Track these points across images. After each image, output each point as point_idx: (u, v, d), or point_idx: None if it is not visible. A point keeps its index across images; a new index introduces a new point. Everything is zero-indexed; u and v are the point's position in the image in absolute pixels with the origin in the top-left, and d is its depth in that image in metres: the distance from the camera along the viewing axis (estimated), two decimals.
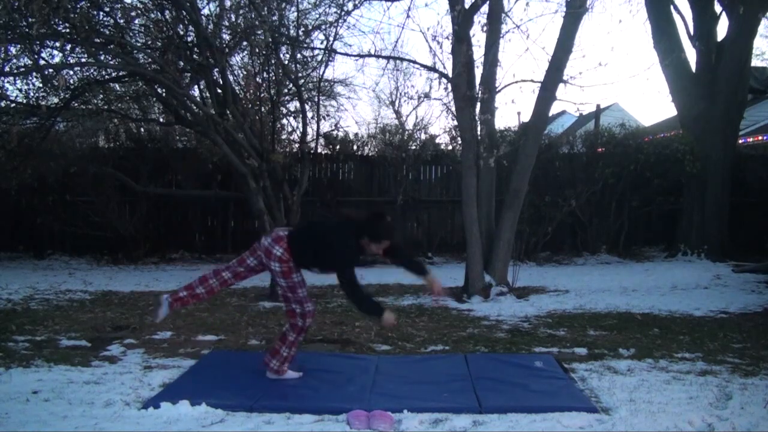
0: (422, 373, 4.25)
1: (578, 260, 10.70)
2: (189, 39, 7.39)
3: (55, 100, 8.02)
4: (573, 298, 7.31)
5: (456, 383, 4.01)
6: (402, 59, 8.69)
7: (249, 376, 4.12)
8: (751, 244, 10.46)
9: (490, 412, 3.50)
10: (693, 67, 10.88)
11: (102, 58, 7.13)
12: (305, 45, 7.93)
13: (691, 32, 10.91)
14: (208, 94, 7.60)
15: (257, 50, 7.47)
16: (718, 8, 10.85)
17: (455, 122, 7.90)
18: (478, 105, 7.36)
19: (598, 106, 12.59)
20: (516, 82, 7.33)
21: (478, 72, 7.39)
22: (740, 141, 12.19)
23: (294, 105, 9.58)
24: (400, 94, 16.81)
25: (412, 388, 3.91)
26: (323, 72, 8.33)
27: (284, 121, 9.60)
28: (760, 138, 13.13)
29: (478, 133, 7.45)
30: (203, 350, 4.91)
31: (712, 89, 10.48)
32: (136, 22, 7.42)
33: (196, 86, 8.25)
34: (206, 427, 3.31)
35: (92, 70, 7.71)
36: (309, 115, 8.81)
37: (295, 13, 7.62)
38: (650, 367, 4.42)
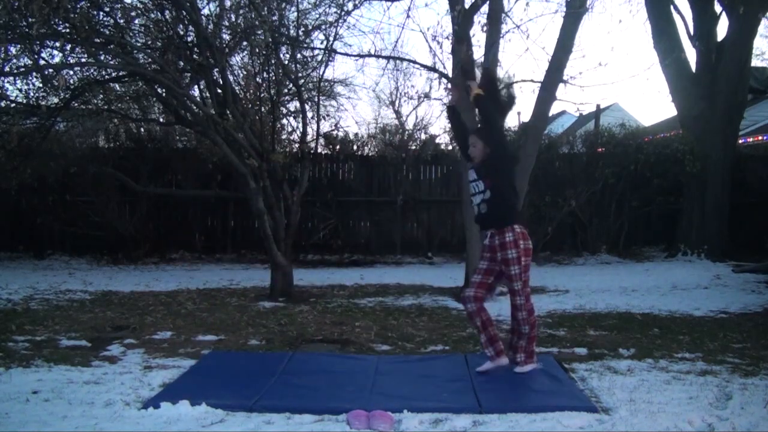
0: (422, 373, 4.24)
1: (578, 260, 10.70)
2: (189, 39, 7.38)
3: (55, 100, 8.01)
4: (573, 298, 7.31)
5: (456, 383, 4.01)
6: (402, 59, 8.69)
7: (249, 376, 4.12)
8: (751, 244, 10.45)
9: (490, 412, 3.50)
10: (693, 67, 10.87)
11: (102, 58, 7.13)
12: (305, 45, 7.93)
13: (691, 32, 10.91)
14: (208, 94, 7.60)
15: (257, 50, 7.47)
16: (718, 8, 10.84)
17: None
18: None
19: (598, 106, 12.60)
20: (516, 82, 7.34)
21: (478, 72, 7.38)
22: (740, 141, 12.19)
23: (294, 105, 9.59)
24: (400, 94, 16.88)
25: (412, 388, 3.91)
26: (323, 72, 8.34)
27: (284, 121, 9.60)
28: (760, 138, 13.12)
29: None
30: (203, 350, 4.91)
31: (712, 89, 10.48)
32: (136, 22, 7.41)
33: (196, 86, 8.24)
34: (206, 427, 3.31)
35: (92, 70, 7.70)
36: (309, 115, 8.81)
37: (295, 13, 7.62)
38: (650, 367, 4.42)
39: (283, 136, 9.38)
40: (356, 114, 34.96)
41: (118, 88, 8.47)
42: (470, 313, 4.21)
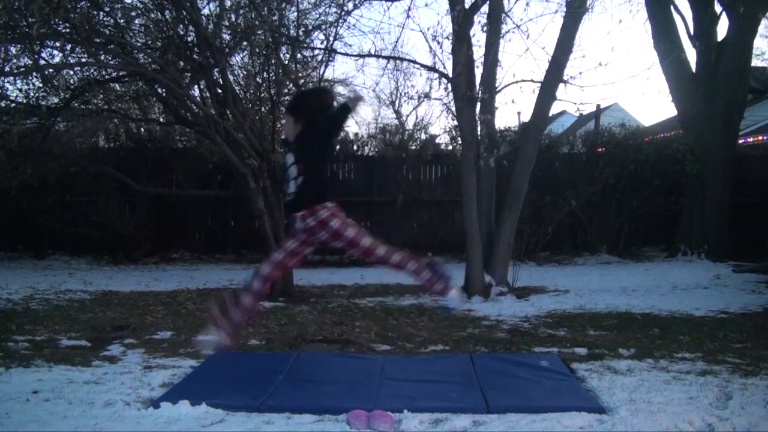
0: (427, 374, 4.23)
1: (578, 260, 10.70)
2: (189, 39, 7.39)
3: (55, 100, 8.03)
4: (573, 298, 7.31)
5: (462, 383, 4.00)
6: (402, 59, 8.69)
7: (251, 377, 4.12)
8: (751, 244, 10.44)
9: (498, 412, 3.48)
10: (693, 67, 10.88)
11: (102, 58, 7.14)
12: (305, 45, 7.93)
13: (691, 32, 10.91)
14: (208, 94, 7.60)
15: (257, 50, 7.47)
16: (718, 8, 10.85)
17: (455, 122, 7.90)
18: (478, 105, 7.36)
19: (598, 106, 12.60)
20: (516, 82, 7.33)
21: (478, 72, 7.39)
22: (740, 141, 12.19)
23: None
24: (400, 94, 16.86)
25: (417, 388, 3.90)
26: (323, 72, 8.34)
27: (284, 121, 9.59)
28: (760, 138, 13.12)
29: (478, 133, 7.45)
30: (203, 350, 4.90)
31: (712, 89, 10.48)
32: (136, 22, 7.43)
33: (196, 86, 8.25)
34: (206, 427, 3.31)
35: (92, 70, 7.71)
36: None
37: (295, 13, 7.62)
38: (650, 367, 4.42)
39: (283, 136, 9.37)
40: (356, 114, 34.97)
41: (118, 88, 8.48)
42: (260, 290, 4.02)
